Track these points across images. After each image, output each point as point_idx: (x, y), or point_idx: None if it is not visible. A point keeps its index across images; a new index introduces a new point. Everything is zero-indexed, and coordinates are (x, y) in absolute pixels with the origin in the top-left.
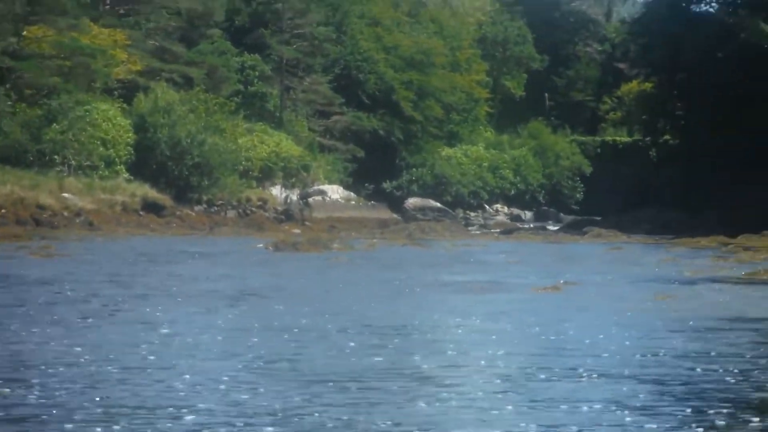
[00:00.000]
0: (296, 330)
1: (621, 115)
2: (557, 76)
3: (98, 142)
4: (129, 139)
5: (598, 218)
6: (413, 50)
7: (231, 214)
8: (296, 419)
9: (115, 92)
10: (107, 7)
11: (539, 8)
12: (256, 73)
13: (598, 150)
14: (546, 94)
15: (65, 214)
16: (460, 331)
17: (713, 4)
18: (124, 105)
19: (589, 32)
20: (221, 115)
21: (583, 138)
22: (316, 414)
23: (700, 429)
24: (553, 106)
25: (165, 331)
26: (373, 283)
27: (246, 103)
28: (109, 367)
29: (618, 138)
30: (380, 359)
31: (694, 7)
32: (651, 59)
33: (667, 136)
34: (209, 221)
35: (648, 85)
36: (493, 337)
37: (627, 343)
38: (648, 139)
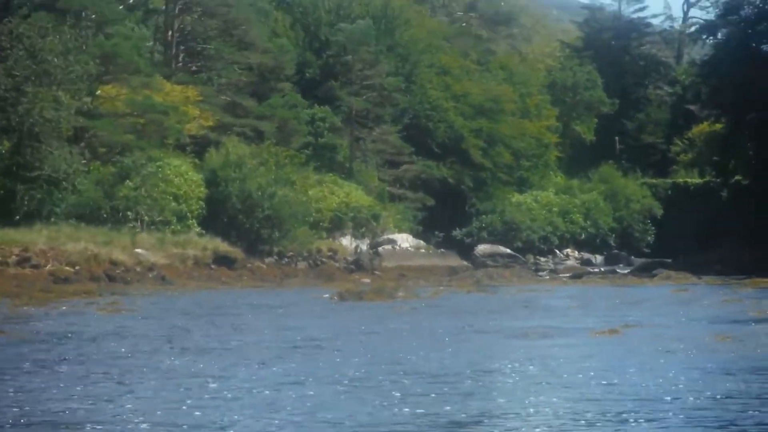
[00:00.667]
0: (346, 381)
1: (692, 156)
2: (627, 120)
3: (170, 198)
4: (200, 194)
5: (669, 260)
6: (482, 98)
7: (302, 265)
8: None
9: (187, 148)
10: (180, 64)
11: (609, 52)
12: (326, 125)
13: (669, 192)
14: (616, 138)
15: (138, 269)
16: (513, 377)
17: None
18: (196, 160)
19: (660, 75)
20: (291, 167)
21: (654, 180)
22: None
23: None
24: (624, 150)
25: (213, 385)
26: (433, 330)
27: (316, 154)
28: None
29: (689, 180)
30: (422, 410)
31: (764, 47)
32: (721, 100)
33: (738, 177)
34: (280, 273)
35: (718, 126)
36: (547, 383)
37: (681, 386)
38: (719, 179)
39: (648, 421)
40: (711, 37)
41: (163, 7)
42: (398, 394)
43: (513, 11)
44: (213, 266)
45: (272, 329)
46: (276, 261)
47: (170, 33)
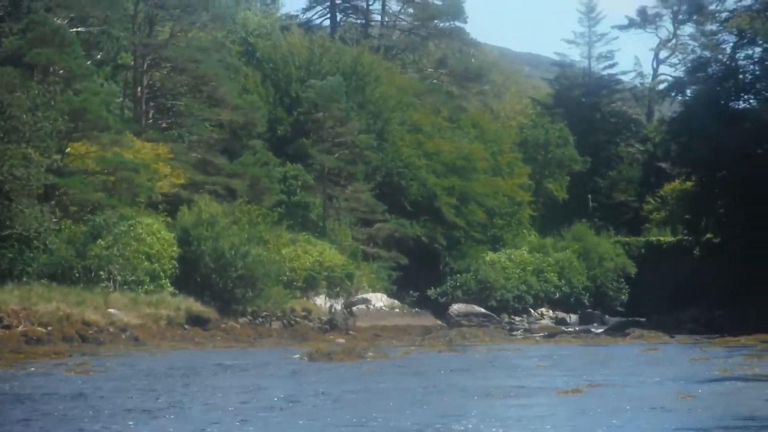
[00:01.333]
0: None
1: (664, 214)
2: (599, 177)
3: (143, 257)
4: (173, 253)
5: (643, 319)
6: (454, 155)
7: (276, 325)
8: None
9: (159, 206)
10: (149, 121)
11: (579, 109)
12: (299, 183)
13: (642, 250)
14: (589, 196)
15: (111, 329)
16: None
17: (751, 101)
18: (168, 218)
19: (631, 132)
20: (264, 225)
21: (627, 239)
22: None
23: None
24: (596, 208)
25: None
26: (396, 391)
27: (289, 212)
28: None
29: (662, 238)
30: None
31: (733, 104)
32: (691, 158)
33: (709, 235)
34: (253, 333)
35: (689, 184)
36: None
37: None
38: (691, 238)
39: None
40: (680, 95)
41: (132, 62)
42: None
43: (483, 68)
44: (186, 326)
45: (237, 391)
46: (250, 321)
47: (139, 89)
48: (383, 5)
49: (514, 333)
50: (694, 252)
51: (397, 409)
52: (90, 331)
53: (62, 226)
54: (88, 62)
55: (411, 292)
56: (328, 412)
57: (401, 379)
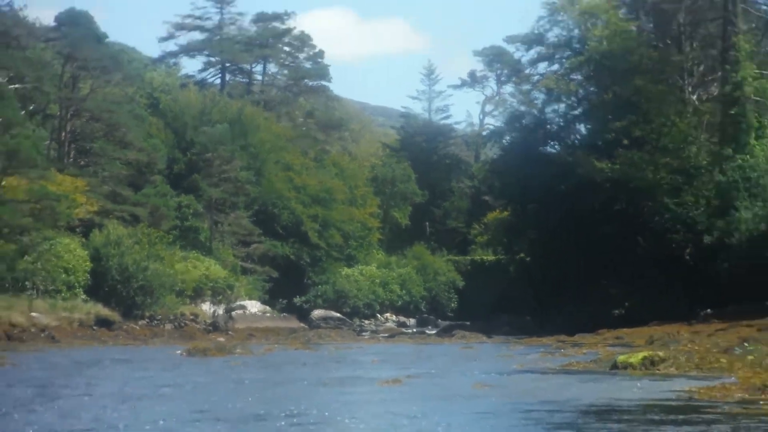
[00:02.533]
0: (162, 422)
1: (486, 238)
2: (436, 207)
3: (61, 270)
4: (86, 267)
5: (468, 323)
6: (318, 189)
7: (168, 326)
8: None
9: (77, 229)
10: (71, 159)
11: (420, 152)
12: (191, 211)
13: (469, 267)
14: (426, 223)
15: (32, 330)
16: (293, 418)
17: (556, 147)
18: (83, 239)
19: (461, 171)
20: (161, 245)
21: (457, 257)
22: None
23: None
24: (432, 232)
25: (37, 421)
26: (248, 381)
27: (182, 235)
28: None
29: (484, 257)
30: None
31: (541, 149)
32: (507, 192)
33: (522, 255)
34: (150, 333)
35: (506, 213)
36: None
37: (423, 423)
38: (508, 257)
39: None
40: (500, 141)
41: (58, 112)
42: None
43: (344, 118)
44: (95, 327)
45: (119, 380)
46: (147, 323)
47: (63, 133)
48: (264, 68)
49: (363, 334)
50: (510, 269)
51: (243, 396)
52: (15, 331)
53: (0, 245)
54: (23, 112)
55: (280, 299)
56: (187, 398)
57: (256, 372)
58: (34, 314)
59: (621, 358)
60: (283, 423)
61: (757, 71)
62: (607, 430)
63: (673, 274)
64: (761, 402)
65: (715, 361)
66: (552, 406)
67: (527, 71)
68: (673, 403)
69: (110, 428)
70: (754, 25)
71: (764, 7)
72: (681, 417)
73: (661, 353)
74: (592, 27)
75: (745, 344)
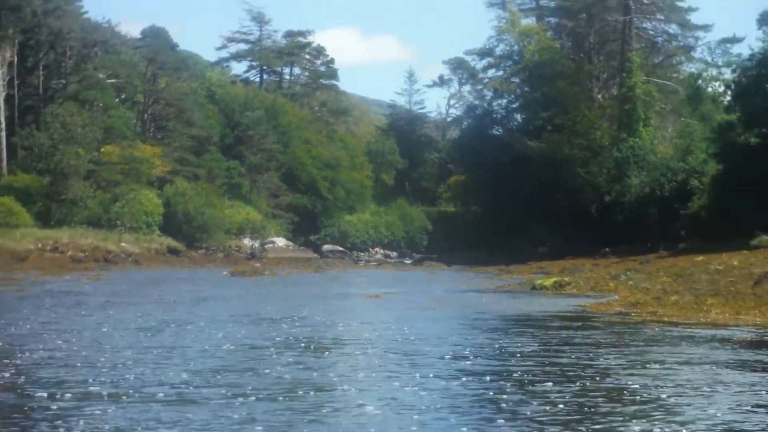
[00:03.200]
0: (202, 323)
1: (449, 195)
2: (413, 172)
3: (142, 213)
4: (160, 211)
5: (435, 256)
6: (328, 157)
7: (219, 255)
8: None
9: (154, 183)
10: (150, 134)
11: (403, 132)
12: (236, 172)
13: (436, 216)
14: (406, 183)
15: (122, 255)
16: (299, 320)
17: (500, 130)
18: (159, 191)
19: (431, 146)
20: (215, 196)
21: (428, 209)
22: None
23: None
24: (410, 190)
25: (118, 317)
26: (272, 294)
27: (229, 189)
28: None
29: (447, 209)
30: (245, 332)
31: (489, 132)
32: (465, 163)
33: (475, 208)
34: (206, 259)
35: (463, 177)
36: (323, 323)
37: (393, 325)
38: (464, 209)
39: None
40: (459, 125)
41: (142, 100)
42: (240, 329)
43: (348, 107)
44: (166, 254)
45: (179, 292)
46: (204, 252)
47: (146, 115)
48: (290, 70)
49: (359, 262)
50: (465, 217)
51: (266, 304)
52: (109, 256)
53: (96, 195)
54: (117, 99)
55: (300, 237)
56: (226, 305)
57: (278, 288)
58: (123, 244)
59: (538, 282)
60: (291, 323)
61: (644, 78)
62: (521, 332)
63: (583, 223)
64: (632, 314)
65: (605, 285)
66: (485, 315)
67: (480, 76)
68: (571, 314)
69: (170, 323)
70: (643, 45)
71: (651, 32)
72: (575, 324)
73: (567, 279)
74: (527, 44)
75: (628, 273)
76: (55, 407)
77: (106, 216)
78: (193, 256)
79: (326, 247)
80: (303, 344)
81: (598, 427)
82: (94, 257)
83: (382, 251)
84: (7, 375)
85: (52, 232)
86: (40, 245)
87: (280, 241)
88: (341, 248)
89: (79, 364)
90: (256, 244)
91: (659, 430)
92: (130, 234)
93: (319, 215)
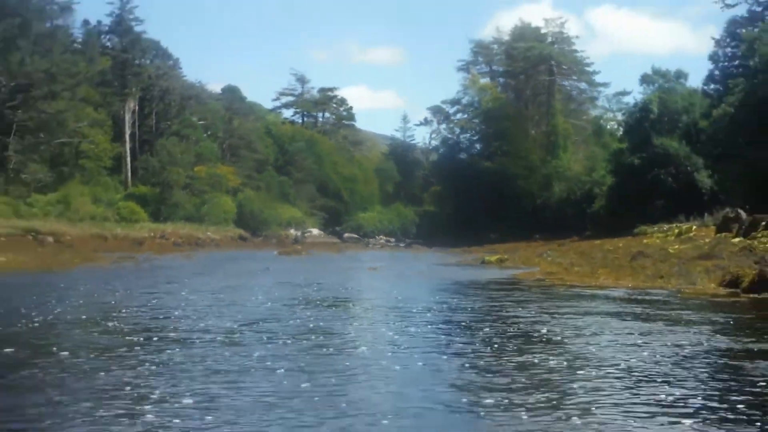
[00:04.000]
0: (257, 287)
1: (431, 199)
2: (406, 184)
3: (222, 212)
4: (234, 210)
5: (420, 241)
6: (349, 174)
7: (273, 241)
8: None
9: (229, 192)
10: (228, 158)
11: (399, 157)
12: (286, 184)
13: (422, 213)
14: (401, 191)
15: (207, 241)
16: (319, 285)
17: (465, 155)
18: (233, 197)
19: (419, 166)
20: (271, 200)
21: (416, 208)
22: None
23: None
24: (404, 196)
25: (196, 282)
26: (304, 268)
27: (281, 196)
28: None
29: (430, 209)
30: (280, 294)
31: (458, 157)
32: (441, 178)
33: (448, 209)
34: (264, 243)
35: (439, 188)
36: (340, 287)
37: (386, 287)
38: (440, 210)
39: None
40: (437, 152)
41: (221, 135)
42: (278, 291)
43: (362, 139)
44: (238, 240)
45: (244, 265)
46: (263, 238)
47: (224, 145)
48: (323, 115)
49: (368, 245)
50: (441, 215)
51: (298, 274)
52: (199, 241)
53: (191, 200)
54: (204, 135)
55: (329, 228)
56: (273, 275)
57: (310, 264)
58: (208, 233)
59: (486, 258)
60: (312, 287)
61: (564, 119)
62: (471, 292)
63: (522, 218)
64: (546, 280)
65: (532, 261)
66: (448, 281)
67: (452, 117)
68: (506, 280)
69: (231, 287)
70: (563, 97)
71: (568, 88)
72: (508, 287)
73: (506, 256)
74: (484, 96)
75: (549, 252)
76: (143, 347)
77: (198, 214)
78: (256, 241)
79: (346, 234)
80: (319, 302)
81: (515, 356)
82: (188, 242)
83: (384, 237)
84: (110, 324)
85: (160, 225)
86: (152, 234)
87: (315, 231)
88: (356, 235)
89: (161, 317)
90: (298, 233)
91: (554, 360)
92: (214, 226)
93: (342, 213)
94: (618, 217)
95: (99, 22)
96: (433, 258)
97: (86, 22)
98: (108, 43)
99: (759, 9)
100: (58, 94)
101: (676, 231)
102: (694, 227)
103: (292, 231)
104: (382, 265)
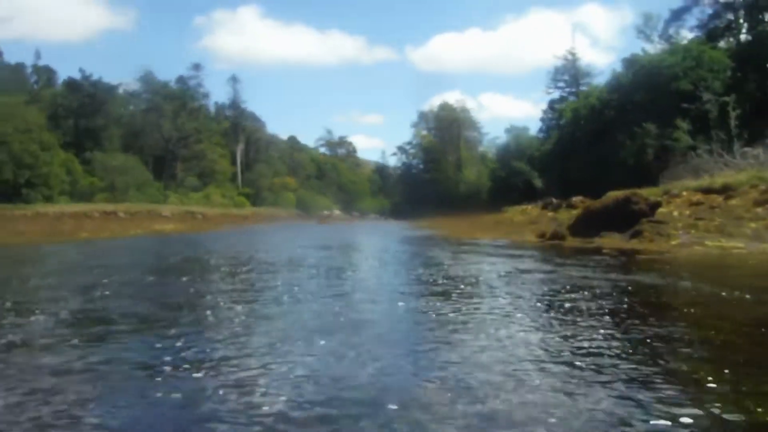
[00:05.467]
0: (292, 245)
1: (397, 197)
2: (385, 187)
3: (288, 201)
4: (294, 201)
5: (392, 216)
6: (355, 181)
7: (316, 217)
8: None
9: (293, 191)
10: (290, 173)
11: (382, 173)
12: (322, 187)
13: (392, 203)
14: (381, 192)
15: (282, 217)
16: (329, 243)
17: (414, 171)
18: (294, 194)
19: (392, 178)
20: (315, 196)
21: (389, 200)
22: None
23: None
24: (383, 194)
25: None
26: (326, 232)
27: (320, 193)
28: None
29: (397, 200)
30: (300, 250)
31: (411, 173)
32: (401, 184)
33: (408, 203)
34: (311, 218)
35: (401, 189)
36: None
37: (364, 238)
38: (403, 202)
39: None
40: (399, 172)
41: (287, 160)
42: (300, 247)
43: (361, 163)
44: (297, 216)
45: (291, 232)
46: (310, 216)
47: (289, 167)
48: (337, 151)
49: (365, 219)
50: (402, 206)
51: (321, 235)
52: (278, 218)
53: (272, 195)
54: (280, 164)
55: (346, 211)
56: (317, 236)
57: (329, 230)
58: (282, 213)
59: (421, 225)
60: (317, 242)
61: (465, 152)
62: (409, 243)
63: (444, 205)
64: (451, 237)
65: (446, 227)
66: (398, 237)
67: (408, 151)
68: (427, 236)
69: (275, 246)
70: (464, 140)
71: (466, 135)
72: (429, 241)
73: (433, 225)
74: (424, 140)
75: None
76: (202, 301)
77: (276, 202)
78: (307, 217)
79: (354, 213)
80: (327, 248)
81: (429, 269)
82: (270, 218)
83: (374, 215)
84: (234, 256)
85: (257, 209)
86: (252, 213)
87: (337, 212)
88: (359, 213)
89: (261, 251)
90: (329, 213)
91: (453, 283)
92: (284, 209)
93: (353, 201)
94: (494, 203)
95: (223, 102)
96: (397, 225)
97: (216, 103)
98: (227, 113)
99: (565, 95)
100: (202, 140)
101: (522, 209)
102: (530, 208)
103: (326, 212)
104: (370, 227)
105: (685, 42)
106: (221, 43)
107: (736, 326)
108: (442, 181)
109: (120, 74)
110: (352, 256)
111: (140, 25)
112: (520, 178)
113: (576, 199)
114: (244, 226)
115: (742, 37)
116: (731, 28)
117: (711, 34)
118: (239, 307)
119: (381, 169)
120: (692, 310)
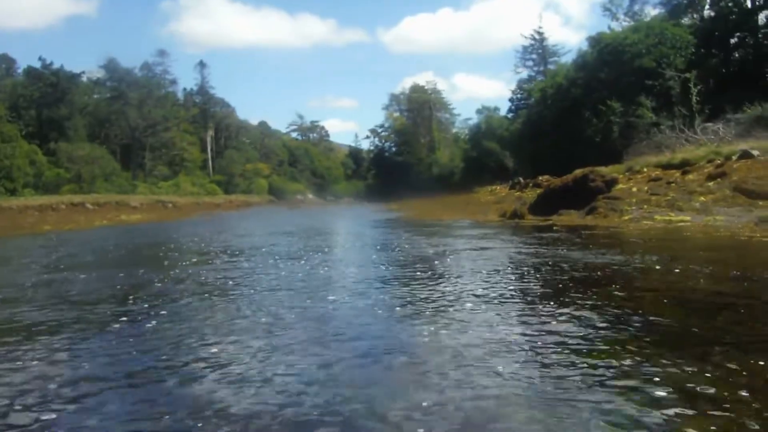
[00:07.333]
0: (271, 227)
1: (371, 179)
2: (359, 170)
3: (260, 187)
4: (266, 187)
5: (365, 200)
6: (329, 165)
7: (288, 202)
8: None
9: (266, 176)
10: (262, 158)
11: (355, 157)
12: (295, 172)
13: (366, 186)
14: (355, 175)
15: (255, 203)
16: (308, 225)
17: (387, 154)
18: (265, 179)
19: (364, 162)
20: (287, 181)
21: (364, 182)
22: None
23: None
24: (356, 177)
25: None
26: (299, 215)
27: (293, 178)
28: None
29: (370, 183)
30: (293, 228)
31: (385, 156)
32: (375, 166)
33: (381, 183)
34: (283, 203)
35: (374, 172)
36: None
37: (338, 218)
38: (379, 183)
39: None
40: (373, 153)
41: (258, 146)
42: (290, 227)
43: (335, 147)
44: (270, 203)
45: (263, 218)
46: (282, 201)
47: (260, 152)
48: (311, 136)
49: (338, 203)
50: (376, 186)
51: (294, 219)
52: (250, 204)
53: (245, 182)
54: (251, 150)
55: (319, 194)
56: (284, 222)
57: (304, 215)
58: (255, 199)
59: (392, 208)
60: (297, 224)
61: (438, 134)
62: (382, 225)
63: (416, 187)
64: (424, 218)
65: (418, 210)
66: (369, 219)
67: (381, 133)
68: (399, 219)
69: (239, 235)
70: (437, 121)
71: (439, 116)
72: (402, 223)
73: (403, 207)
74: (396, 123)
75: (430, 205)
76: (205, 266)
77: (248, 189)
78: (278, 203)
79: (329, 197)
80: (294, 231)
81: (400, 248)
82: (244, 205)
83: (348, 198)
84: (205, 245)
85: (229, 196)
86: (224, 201)
87: (311, 196)
88: (334, 197)
89: (203, 245)
90: (302, 197)
91: (399, 268)
92: (257, 195)
93: (327, 186)
94: (467, 184)
95: (191, 88)
96: (369, 208)
97: (184, 89)
98: (196, 99)
99: (534, 74)
100: (170, 128)
101: (490, 190)
102: (499, 188)
103: (299, 197)
104: (343, 209)
105: (648, 19)
106: (189, 28)
107: (630, 292)
108: (415, 163)
109: (85, 62)
110: (308, 243)
111: (104, 11)
112: (492, 158)
113: (542, 178)
114: (215, 214)
115: (705, 13)
116: (694, 5)
117: (674, 10)
118: (159, 301)
119: (354, 153)
120: (598, 278)
